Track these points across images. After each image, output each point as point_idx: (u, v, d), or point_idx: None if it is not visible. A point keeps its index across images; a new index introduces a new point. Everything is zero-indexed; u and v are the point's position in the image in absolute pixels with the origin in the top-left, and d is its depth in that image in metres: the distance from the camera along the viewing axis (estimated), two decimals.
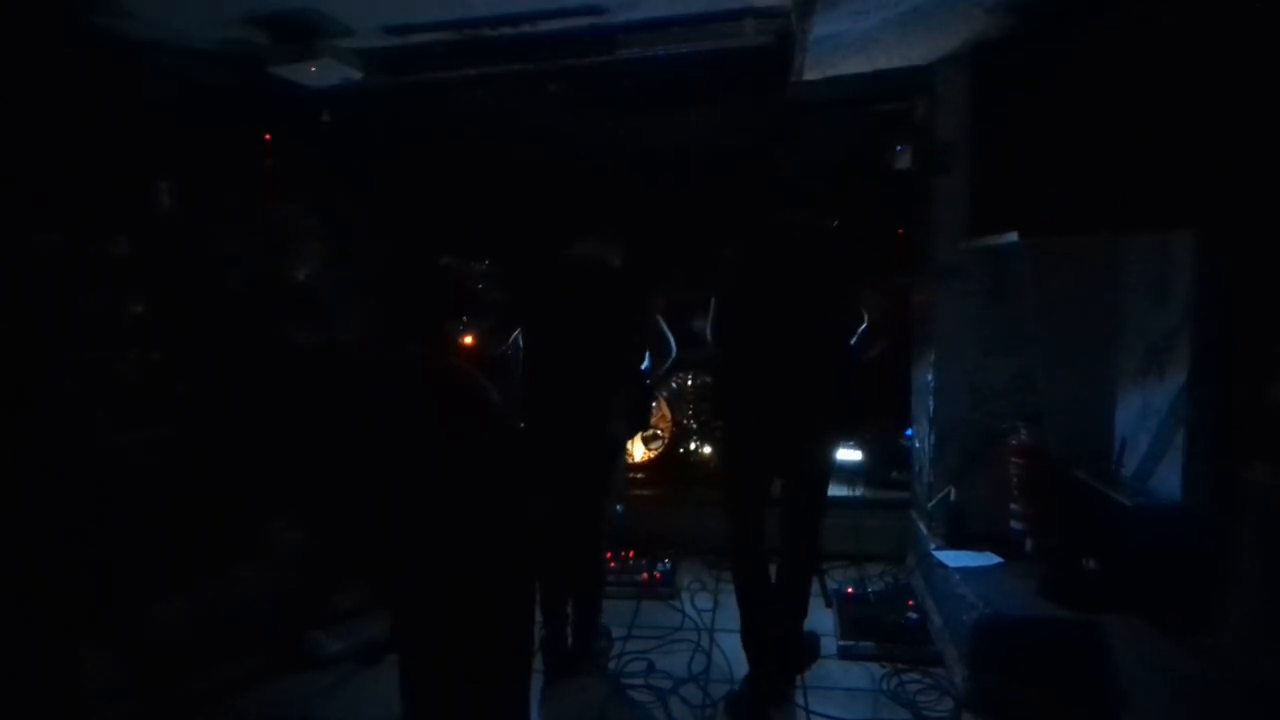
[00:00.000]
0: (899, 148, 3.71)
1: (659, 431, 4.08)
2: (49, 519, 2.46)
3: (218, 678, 2.73)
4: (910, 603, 3.04)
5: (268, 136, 3.55)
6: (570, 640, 2.77)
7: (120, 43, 2.90)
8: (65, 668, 2.41)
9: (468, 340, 3.58)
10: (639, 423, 2.89)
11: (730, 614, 3.17)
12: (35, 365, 2.67)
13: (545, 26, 2.86)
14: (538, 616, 2.38)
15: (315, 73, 2.96)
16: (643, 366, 2.81)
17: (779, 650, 2.61)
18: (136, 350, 3.10)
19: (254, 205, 3.21)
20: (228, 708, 2.62)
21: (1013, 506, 2.79)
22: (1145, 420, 2.56)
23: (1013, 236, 2.48)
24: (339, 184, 3.73)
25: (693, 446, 4.18)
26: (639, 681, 2.72)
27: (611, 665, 2.83)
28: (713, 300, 2.60)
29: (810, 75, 2.99)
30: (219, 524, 3.13)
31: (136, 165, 3.14)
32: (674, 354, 2.82)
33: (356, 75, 3.06)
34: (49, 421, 2.61)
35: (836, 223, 2.68)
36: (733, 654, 2.85)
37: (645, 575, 3.45)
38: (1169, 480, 2.39)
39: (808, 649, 2.74)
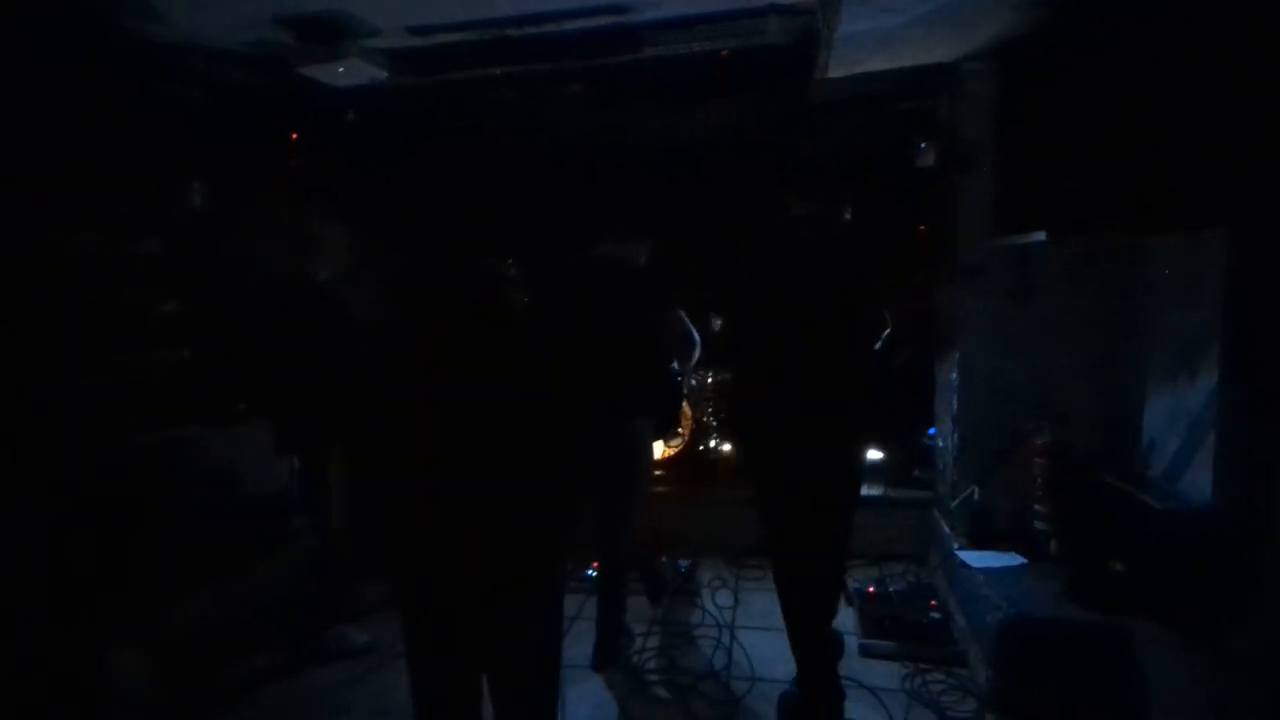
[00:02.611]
0: (921, 145, 3.69)
1: (679, 429, 4.09)
2: (77, 515, 2.52)
3: (245, 671, 2.79)
4: (932, 602, 3.04)
5: (294, 136, 3.59)
6: (596, 636, 2.80)
7: (150, 45, 2.94)
8: (94, 661, 2.47)
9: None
10: (668, 420, 2.90)
11: (751, 611, 3.20)
12: (67, 363, 2.73)
13: (568, 26, 2.87)
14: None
15: (342, 73, 3.00)
16: (672, 365, 2.82)
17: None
18: (166, 348, 3.17)
19: (281, 205, 3.26)
20: (255, 700, 2.67)
21: (1037, 507, 2.77)
22: (1174, 421, 2.54)
23: (1039, 235, 2.46)
24: (364, 183, 3.76)
25: (712, 444, 4.19)
26: (661, 678, 2.75)
27: (633, 661, 2.85)
28: (731, 303, 2.59)
29: (834, 73, 2.98)
30: (245, 519, 3.19)
31: (166, 166, 3.19)
32: (698, 351, 2.83)
33: (382, 75, 3.09)
34: (78, 419, 2.67)
35: (859, 220, 2.66)
36: (754, 651, 2.87)
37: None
38: (1199, 483, 2.36)
39: (832, 647, 2.75)
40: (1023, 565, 2.70)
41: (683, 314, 2.84)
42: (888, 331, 2.46)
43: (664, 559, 3.58)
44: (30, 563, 2.36)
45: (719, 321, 3.64)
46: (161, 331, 3.15)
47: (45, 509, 2.43)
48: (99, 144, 2.86)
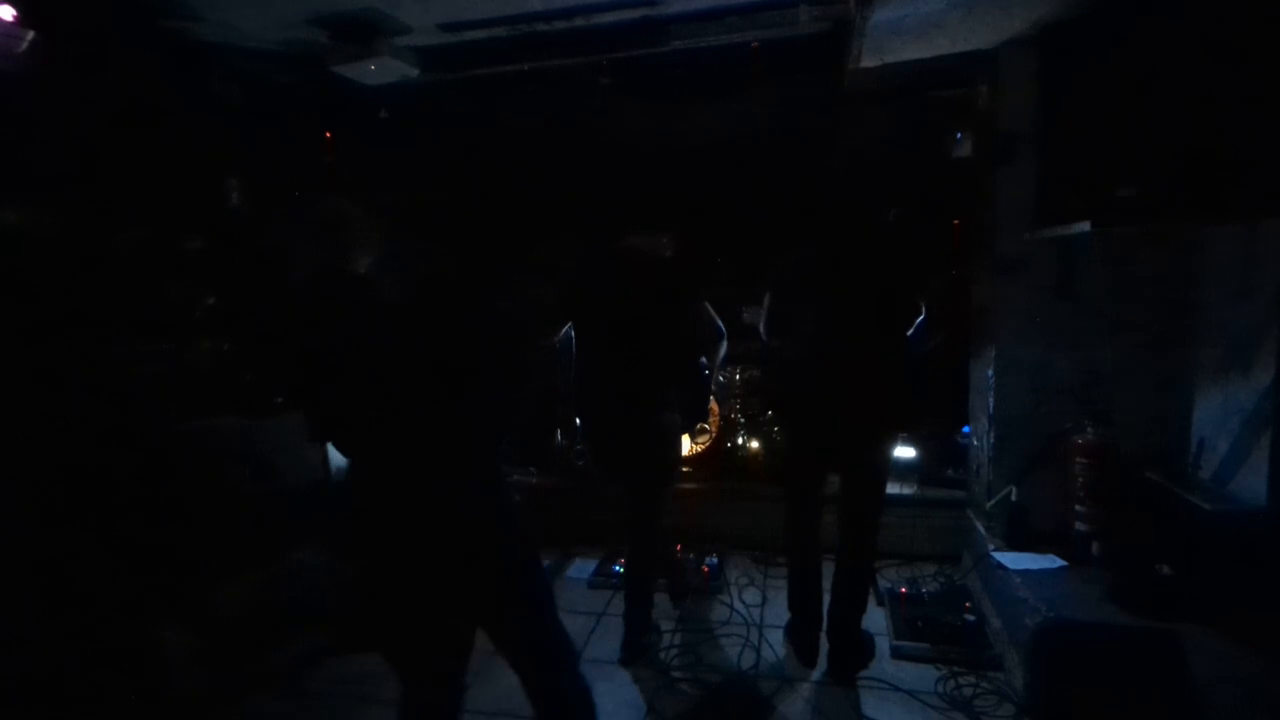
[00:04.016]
0: (958, 135, 3.60)
1: (705, 425, 4.07)
2: (123, 501, 2.60)
3: (280, 657, 2.84)
4: (967, 604, 2.97)
5: (328, 134, 3.66)
6: (623, 631, 2.80)
7: (192, 45, 3.02)
8: (140, 643, 2.54)
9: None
10: (696, 413, 2.89)
11: (779, 610, 3.15)
12: (113, 355, 2.82)
13: (598, 20, 2.87)
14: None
15: (374, 71, 3.04)
16: (699, 359, 2.80)
17: (836, 647, 2.62)
18: (208, 340, 3.25)
19: (316, 201, 3.31)
20: (289, 687, 2.72)
21: (1078, 508, 2.68)
22: (1226, 420, 2.44)
23: (1084, 226, 2.38)
24: (396, 179, 3.81)
25: (740, 441, 4.15)
26: (688, 674, 2.73)
27: (660, 657, 2.84)
28: (768, 294, 2.57)
29: (868, 62, 2.92)
30: (282, 508, 3.26)
31: (207, 163, 3.28)
32: (725, 344, 2.81)
33: (413, 73, 3.13)
34: (123, 407, 2.75)
35: (895, 214, 2.62)
36: (781, 649, 2.84)
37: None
38: (1252, 484, 2.27)
39: (865, 648, 2.71)
40: (1063, 568, 2.62)
41: (708, 306, 2.82)
42: (921, 319, 2.42)
43: (691, 555, 3.57)
44: (75, 547, 2.45)
45: (748, 313, 3.61)
46: (203, 324, 3.24)
47: (87, 495, 2.51)
48: (143, 141, 2.95)
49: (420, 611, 1.65)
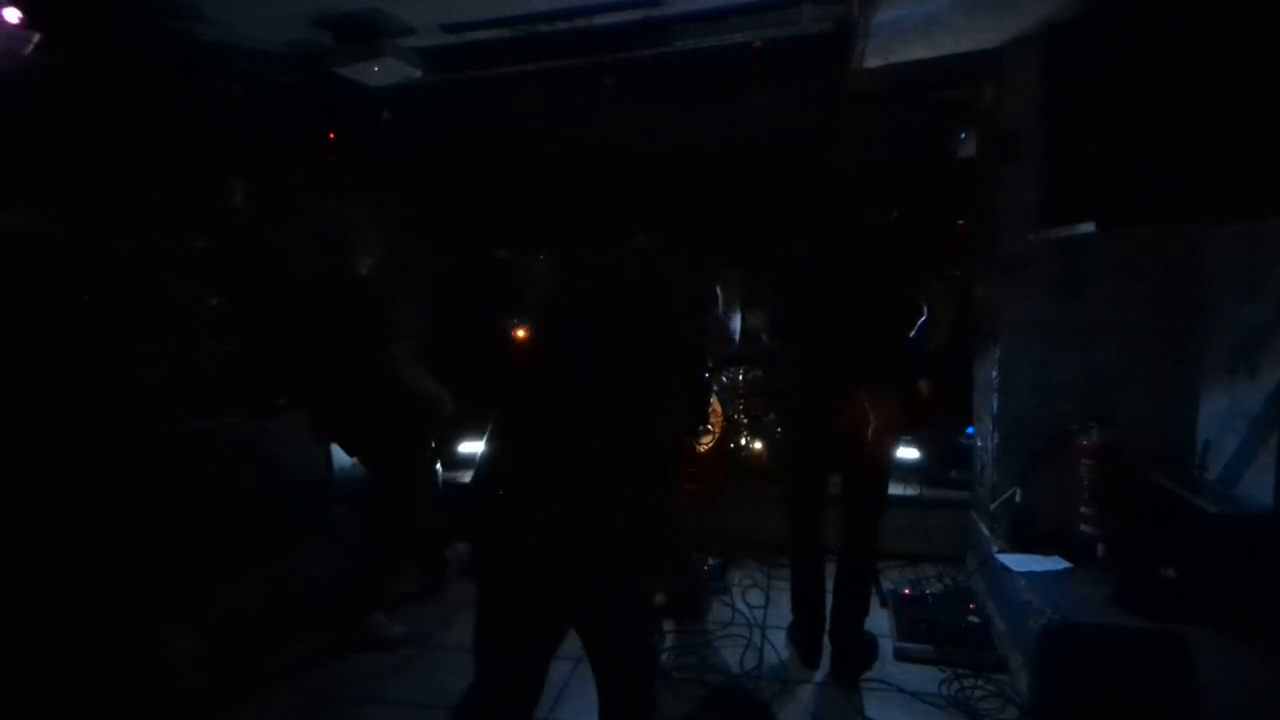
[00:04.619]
0: (962, 135, 3.59)
1: (709, 426, 4.05)
2: (128, 500, 2.62)
3: (280, 655, 2.85)
4: (970, 606, 2.95)
5: (331, 135, 3.66)
6: None
7: (195, 46, 3.03)
8: (146, 639, 2.56)
9: (521, 334, 3.63)
10: (698, 415, 2.88)
11: (782, 611, 3.15)
12: (115, 356, 2.83)
13: (600, 20, 2.87)
14: None
15: (378, 72, 3.05)
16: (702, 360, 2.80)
17: (839, 648, 2.61)
18: (211, 341, 3.27)
19: (320, 202, 3.33)
20: (290, 685, 2.72)
21: (1083, 510, 2.67)
22: (1232, 421, 2.42)
23: (1089, 227, 2.36)
24: (400, 180, 3.82)
25: (743, 441, 4.14)
26: (690, 675, 2.72)
27: (662, 659, 2.83)
28: (770, 294, 2.57)
29: (871, 62, 2.90)
30: (284, 508, 3.28)
31: (210, 164, 3.29)
32: (735, 344, 2.81)
33: (416, 73, 3.13)
34: (125, 408, 2.77)
35: (896, 215, 2.62)
36: (784, 651, 2.83)
37: None
38: (1259, 486, 2.25)
39: (868, 650, 2.70)
40: (1067, 569, 2.60)
41: (715, 310, 2.82)
42: (923, 319, 2.42)
43: (695, 557, 3.52)
44: (78, 547, 2.46)
45: (756, 313, 3.60)
46: (205, 325, 3.25)
47: (90, 495, 2.52)
48: (146, 142, 2.96)
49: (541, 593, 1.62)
